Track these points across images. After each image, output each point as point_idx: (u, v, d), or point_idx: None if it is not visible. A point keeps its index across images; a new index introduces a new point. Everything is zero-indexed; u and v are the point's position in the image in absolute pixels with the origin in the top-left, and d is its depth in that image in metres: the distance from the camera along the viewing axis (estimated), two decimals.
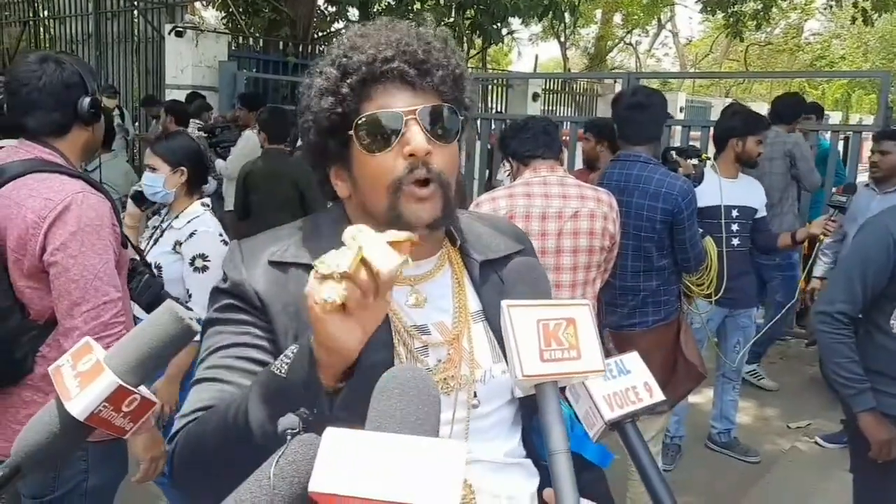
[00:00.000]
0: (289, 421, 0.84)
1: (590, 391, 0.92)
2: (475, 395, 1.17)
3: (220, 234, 2.91)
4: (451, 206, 1.15)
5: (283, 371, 0.93)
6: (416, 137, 1.09)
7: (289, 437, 0.80)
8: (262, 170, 5.10)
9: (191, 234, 2.85)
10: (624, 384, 0.94)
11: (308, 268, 1.08)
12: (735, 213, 3.98)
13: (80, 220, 1.92)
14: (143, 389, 0.85)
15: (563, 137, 6.26)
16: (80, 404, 0.81)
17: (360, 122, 1.11)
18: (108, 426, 0.83)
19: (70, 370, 0.84)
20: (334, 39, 1.19)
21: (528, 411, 1.22)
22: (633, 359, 0.98)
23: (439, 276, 1.22)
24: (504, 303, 0.89)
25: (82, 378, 0.82)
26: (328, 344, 0.87)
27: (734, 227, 3.97)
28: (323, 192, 1.25)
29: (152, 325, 0.87)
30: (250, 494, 0.75)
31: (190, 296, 2.82)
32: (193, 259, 2.81)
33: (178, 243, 2.86)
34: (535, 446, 1.23)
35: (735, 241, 3.98)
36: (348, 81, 1.10)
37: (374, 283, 0.84)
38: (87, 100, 2.07)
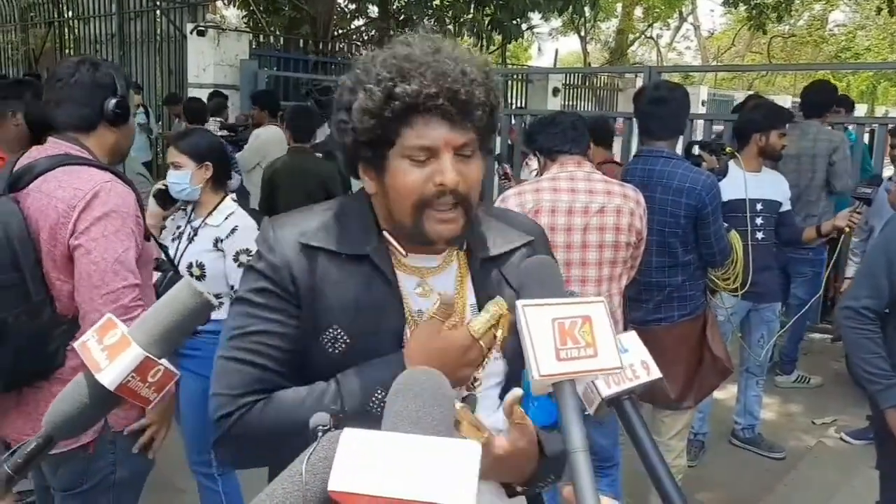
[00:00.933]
0: (319, 418, 0.85)
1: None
2: (474, 378, 1.28)
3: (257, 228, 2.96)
4: (471, 221, 1.27)
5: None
6: (448, 170, 1.18)
7: (320, 434, 0.82)
8: (288, 167, 5.12)
9: (232, 230, 2.89)
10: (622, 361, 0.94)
11: (332, 254, 1.24)
12: (759, 206, 3.95)
13: (105, 205, 1.97)
14: (164, 362, 0.89)
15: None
16: (110, 375, 0.86)
17: (398, 146, 1.20)
18: (135, 396, 0.87)
19: (97, 344, 0.88)
20: (383, 50, 1.24)
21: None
22: (630, 338, 0.99)
23: (446, 271, 1.34)
24: (519, 303, 0.90)
25: (110, 351, 0.87)
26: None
27: (758, 221, 3.95)
28: (347, 172, 1.35)
29: (172, 299, 0.92)
30: (283, 490, 0.76)
31: (235, 291, 2.86)
32: (237, 255, 2.85)
33: (218, 240, 2.88)
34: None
35: (759, 235, 3.96)
36: (392, 106, 1.17)
37: None
38: (113, 100, 2.13)
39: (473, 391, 1.29)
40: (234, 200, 3.05)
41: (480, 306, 1.28)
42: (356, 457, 0.69)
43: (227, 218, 2.93)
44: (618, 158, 6.63)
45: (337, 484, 0.67)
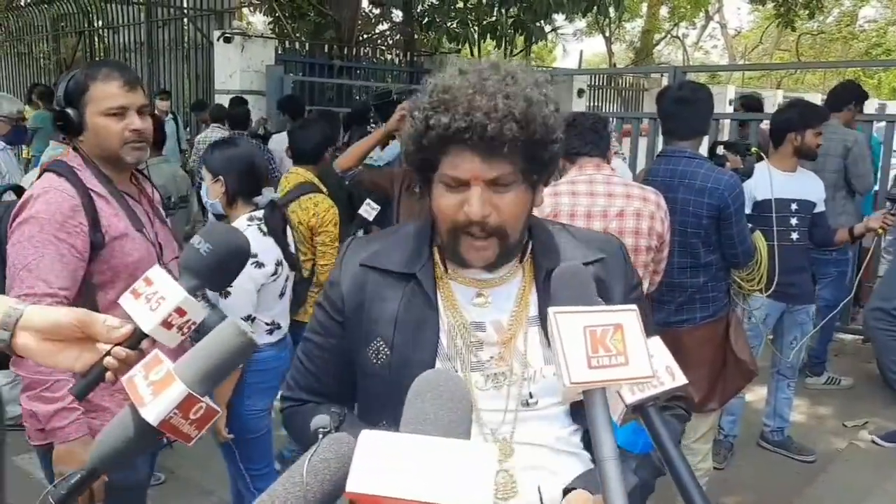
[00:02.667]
0: (321, 420, 0.87)
1: None
2: (531, 394, 1.30)
3: (254, 256, 2.63)
4: (509, 248, 1.29)
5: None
6: (475, 204, 1.21)
7: (320, 436, 0.83)
8: None
9: None
10: None
11: (385, 273, 1.32)
12: (794, 206, 3.92)
13: (28, 211, 1.97)
14: (207, 399, 0.91)
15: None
16: (154, 411, 0.87)
17: (438, 172, 1.25)
18: (177, 433, 0.88)
19: (143, 380, 0.90)
20: (435, 75, 1.28)
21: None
22: (654, 343, 0.98)
23: (509, 282, 1.35)
24: (551, 310, 0.90)
25: (155, 387, 0.88)
26: None
27: (793, 221, 3.91)
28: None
29: (216, 338, 0.93)
30: (284, 491, 0.78)
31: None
32: None
33: None
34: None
35: (794, 236, 3.92)
36: (430, 135, 1.22)
37: None
38: (55, 113, 2.12)
39: (529, 407, 1.29)
40: (256, 219, 2.77)
41: (543, 319, 1.28)
42: (374, 458, 0.69)
43: None
44: (642, 158, 6.60)
45: (355, 485, 0.68)
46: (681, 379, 0.96)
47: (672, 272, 3.12)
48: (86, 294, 2.01)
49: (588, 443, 1.30)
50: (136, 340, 1.07)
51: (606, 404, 0.87)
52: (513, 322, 1.32)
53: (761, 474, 4.20)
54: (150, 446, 0.94)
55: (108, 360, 1.05)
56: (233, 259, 1.19)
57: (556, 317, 0.88)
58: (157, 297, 1.06)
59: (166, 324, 1.06)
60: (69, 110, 2.07)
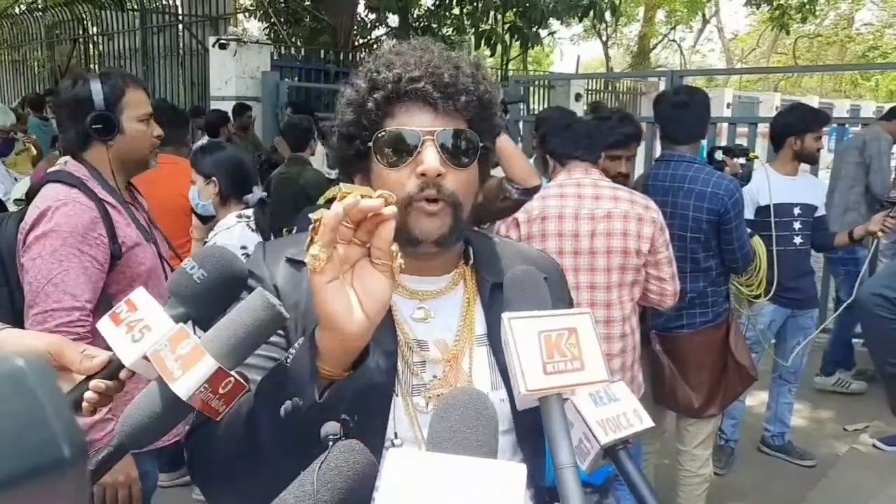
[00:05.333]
0: (331, 427, 0.85)
1: (583, 416, 0.90)
2: None
3: (244, 248, 2.78)
4: (460, 224, 1.16)
5: (287, 361, 0.94)
6: (430, 158, 1.10)
7: (331, 443, 0.81)
8: (281, 176, 5.08)
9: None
10: (614, 410, 0.91)
11: None
12: (797, 210, 3.90)
13: (47, 224, 1.95)
14: (234, 373, 0.89)
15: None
16: (184, 385, 0.85)
17: (379, 136, 1.13)
18: (206, 407, 0.86)
19: (170, 354, 0.87)
20: (374, 52, 1.21)
21: (531, 443, 1.19)
22: (619, 388, 0.96)
23: (450, 295, 1.22)
24: (504, 315, 0.87)
25: (183, 361, 0.86)
26: (326, 322, 0.88)
27: (796, 226, 3.89)
28: (342, 178, 1.29)
29: (245, 310, 0.91)
30: (294, 498, 0.77)
31: None
32: None
33: None
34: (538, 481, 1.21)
35: (797, 240, 3.90)
36: (374, 96, 1.12)
37: (352, 223, 0.85)
38: (90, 116, 2.08)
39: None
40: (244, 217, 2.93)
41: (492, 335, 1.18)
42: (401, 477, 0.69)
43: (216, 234, 2.91)
44: (641, 162, 6.57)
45: None
46: (648, 422, 0.93)
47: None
48: (102, 305, 1.99)
49: (534, 476, 1.18)
50: (115, 370, 0.97)
51: (563, 411, 0.85)
52: (458, 340, 1.19)
53: (762, 479, 4.17)
54: (178, 421, 0.90)
55: (89, 395, 0.97)
56: (227, 289, 1.05)
57: (511, 322, 0.86)
58: (140, 325, 0.96)
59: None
60: (109, 113, 2.09)
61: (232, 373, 0.87)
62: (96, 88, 2.08)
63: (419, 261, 1.17)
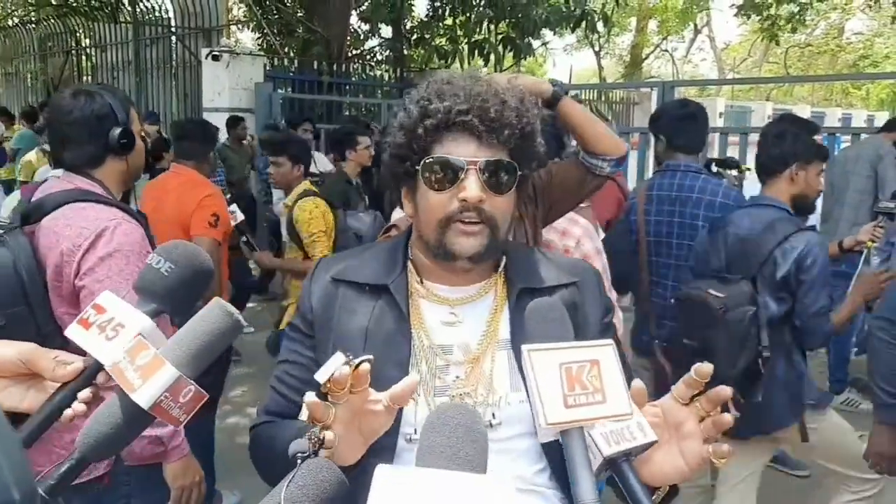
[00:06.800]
0: (299, 445, 0.86)
1: (587, 429, 0.89)
2: (493, 416, 1.22)
3: None
4: (496, 243, 1.26)
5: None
6: (472, 186, 1.21)
7: (299, 461, 0.82)
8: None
9: None
10: (618, 423, 0.90)
11: (357, 286, 1.29)
12: None
13: (108, 245, 1.94)
14: (193, 383, 0.89)
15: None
16: (145, 394, 0.85)
17: (427, 161, 1.24)
18: (167, 416, 0.87)
19: (129, 364, 0.88)
20: (426, 79, 1.31)
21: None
22: None
23: (480, 301, 1.31)
24: (524, 347, 0.86)
25: (142, 371, 0.87)
26: (335, 460, 0.93)
27: None
28: (393, 195, 1.42)
29: (203, 320, 0.91)
30: None
31: None
32: None
33: None
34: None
35: None
36: (425, 123, 1.23)
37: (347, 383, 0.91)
38: (117, 131, 2.09)
39: (493, 428, 1.21)
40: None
41: (515, 340, 1.24)
42: (390, 494, 0.68)
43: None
44: (633, 173, 6.58)
45: None
46: (651, 435, 0.92)
47: (678, 288, 3.08)
48: None
49: (559, 478, 1.24)
50: (91, 375, 0.96)
51: (585, 444, 0.84)
52: (481, 343, 1.27)
53: (757, 490, 4.15)
54: (139, 432, 0.91)
55: (77, 407, 0.96)
56: (197, 280, 1.05)
57: (531, 355, 0.85)
58: (113, 324, 0.95)
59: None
60: (130, 128, 2.12)
61: (191, 382, 0.87)
62: (115, 104, 2.09)
63: (452, 273, 1.29)
